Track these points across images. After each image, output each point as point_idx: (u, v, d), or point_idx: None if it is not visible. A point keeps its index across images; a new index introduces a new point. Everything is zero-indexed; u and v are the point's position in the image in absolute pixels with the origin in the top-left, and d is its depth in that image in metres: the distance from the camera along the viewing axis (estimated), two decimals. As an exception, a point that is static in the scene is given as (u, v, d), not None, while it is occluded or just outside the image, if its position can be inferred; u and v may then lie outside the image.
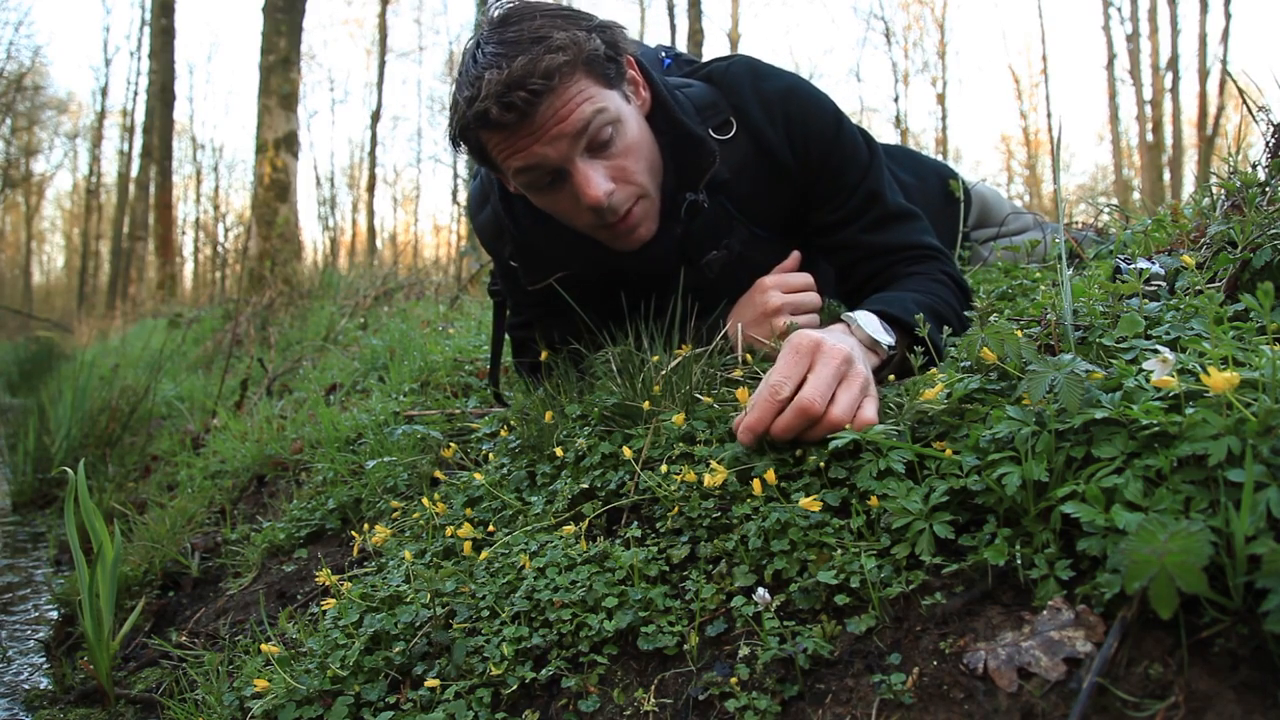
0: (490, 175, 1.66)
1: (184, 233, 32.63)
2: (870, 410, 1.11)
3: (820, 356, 1.13)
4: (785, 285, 1.51)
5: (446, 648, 1.11)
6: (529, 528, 1.30)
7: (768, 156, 1.55)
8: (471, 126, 1.37)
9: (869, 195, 1.57)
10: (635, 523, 1.23)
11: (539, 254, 1.64)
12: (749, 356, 1.45)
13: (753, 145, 1.55)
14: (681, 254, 1.57)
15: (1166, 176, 18.33)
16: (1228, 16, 17.12)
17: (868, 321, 1.31)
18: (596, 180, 1.38)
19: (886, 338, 1.31)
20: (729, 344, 1.50)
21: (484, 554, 1.26)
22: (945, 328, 1.35)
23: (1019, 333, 1.09)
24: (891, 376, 1.28)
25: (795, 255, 1.58)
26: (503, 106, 1.31)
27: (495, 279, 1.86)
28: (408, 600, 1.23)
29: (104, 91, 27.62)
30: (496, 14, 1.40)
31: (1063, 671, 0.78)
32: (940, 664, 0.85)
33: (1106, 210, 2.66)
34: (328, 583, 1.30)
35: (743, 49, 27.20)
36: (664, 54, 1.81)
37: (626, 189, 1.43)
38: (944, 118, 28.55)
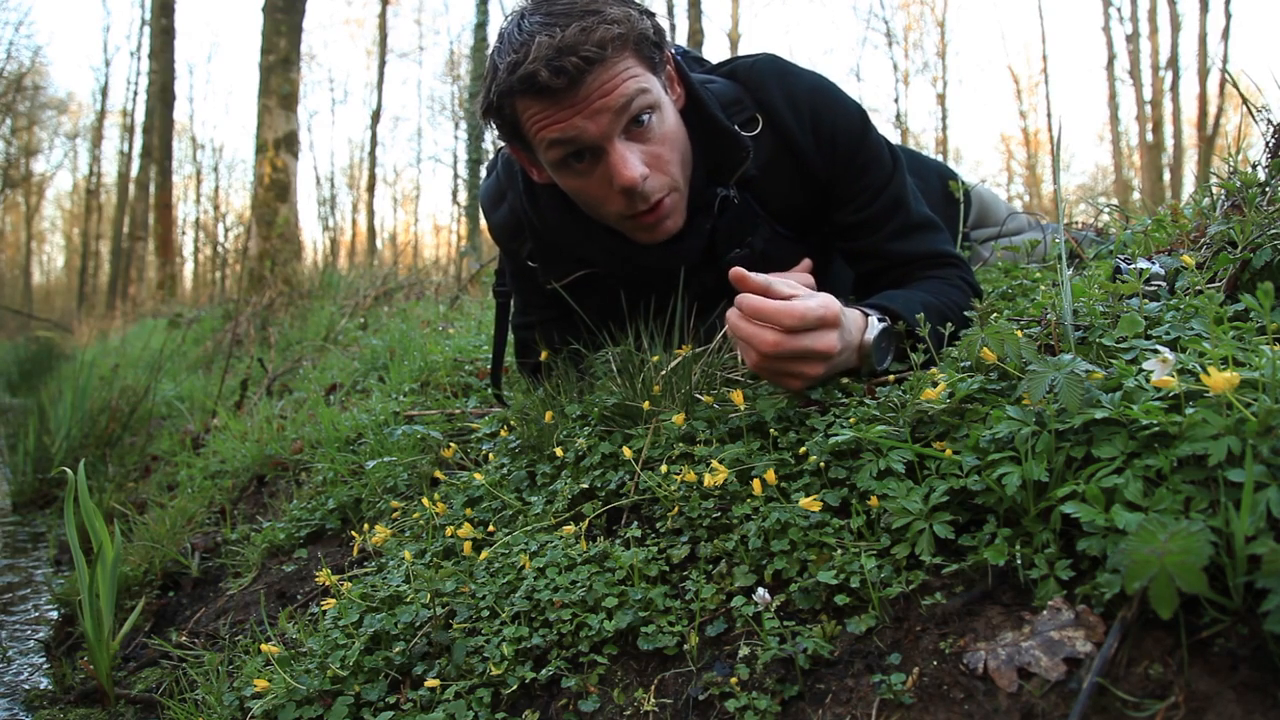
0: (510, 168, 1.63)
1: (184, 233, 32.67)
2: (812, 371, 1.20)
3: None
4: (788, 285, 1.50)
5: (446, 648, 1.11)
6: (529, 528, 1.30)
7: (793, 154, 1.55)
8: (513, 91, 1.33)
9: (893, 203, 1.56)
10: (635, 523, 1.23)
11: (560, 250, 1.62)
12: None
13: (778, 142, 1.55)
14: (709, 250, 1.57)
15: (1166, 176, 18.32)
16: (1228, 15, 17.12)
17: (876, 336, 1.28)
18: (632, 161, 1.36)
19: (883, 361, 1.30)
20: (729, 344, 1.50)
21: (484, 554, 1.26)
22: (948, 326, 1.35)
23: (1019, 333, 1.09)
24: (891, 377, 1.28)
25: (807, 262, 1.58)
26: (553, 70, 1.28)
27: (501, 278, 1.85)
28: (408, 600, 1.23)
29: (104, 91, 27.62)
30: None
31: (1063, 671, 0.78)
32: (940, 664, 0.85)
33: (1106, 210, 2.66)
34: (328, 583, 1.30)
35: (743, 49, 27.19)
36: (674, 50, 1.81)
37: (660, 177, 1.41)
38: (944, 118, 28.56)
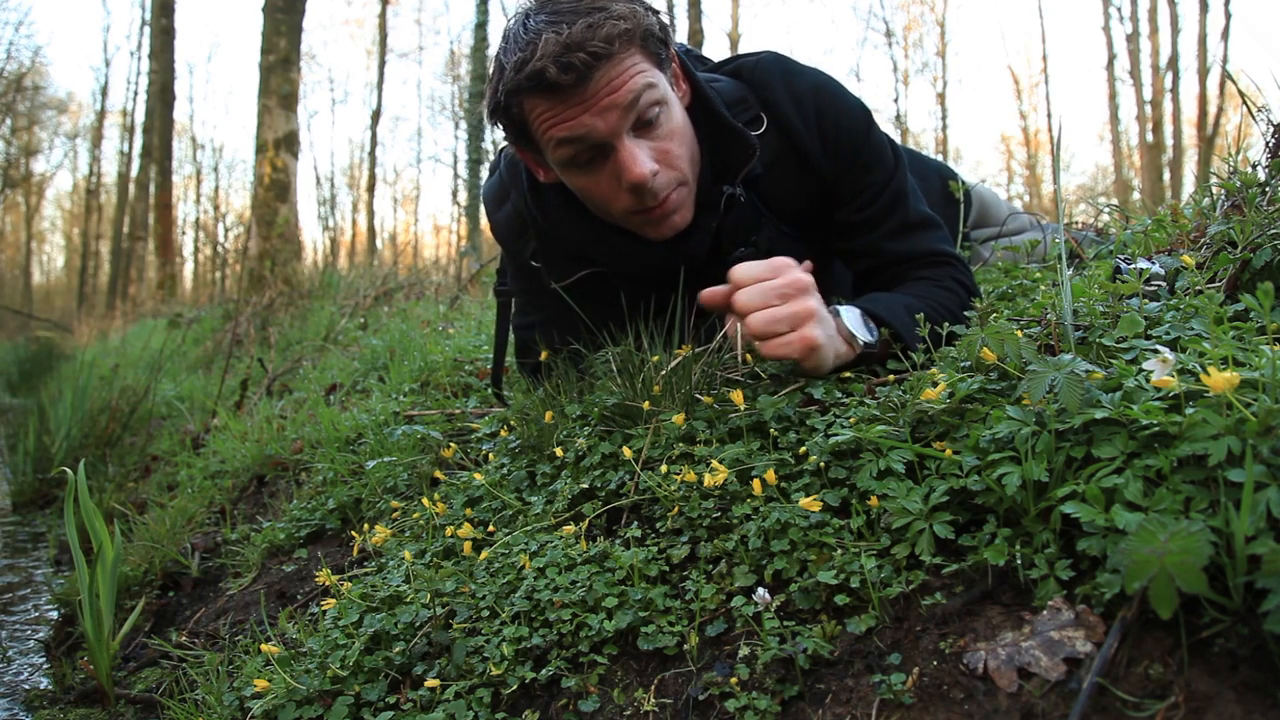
0: (513, 168, 1.63)
1: (184, 233, 32.68)
2: (814, 332, 1.24)
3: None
4: None
5: (446, 648, 1.11)
6: (529, 528, 1.30)
7: (797, 152, 1.55)
8: (521, 89, 1.33)
9: (893, 202, 1.57)
10: (635, 523, 1.23)
11: (564, 250, 1.62)
12: (749, 356, 1.45)
13: (783, 141, 1.55)
14: (715, 248, 1.57)
15: (1166, 176, 18.32)
16: (1228, 15, 17.13)
17: (850, 316, 1.33)
18: (641, 158, 1.36)
19: (864, 334, 1.32)
20: (729, 343, 1.50)
21: (484, 554, 1.26)
22: (944, 326, 1.36)
23: (1019, 333, 1.09)
24: (891, 377, 1.28)
25: (808, 264, 1.58)
26: (561, 67, 1.28)
27: (502, 278, 1.84)
28: (408, 600, 1.23)
29: (104, 91, 27.65)
30: None
31: (1063, 671, 0.78)
32: (940, 664, 0.85)
33: (1106, 210, 2.66)
34: (328, 583, 1.30)
35: (743, 49, 27.13)
36: (677, 49, 1.81)
37: (669, 173, 1.42)
38: (944, 118, 28.57)
